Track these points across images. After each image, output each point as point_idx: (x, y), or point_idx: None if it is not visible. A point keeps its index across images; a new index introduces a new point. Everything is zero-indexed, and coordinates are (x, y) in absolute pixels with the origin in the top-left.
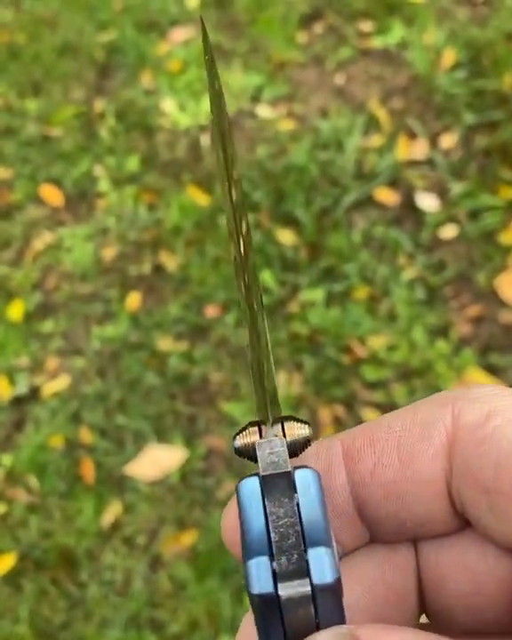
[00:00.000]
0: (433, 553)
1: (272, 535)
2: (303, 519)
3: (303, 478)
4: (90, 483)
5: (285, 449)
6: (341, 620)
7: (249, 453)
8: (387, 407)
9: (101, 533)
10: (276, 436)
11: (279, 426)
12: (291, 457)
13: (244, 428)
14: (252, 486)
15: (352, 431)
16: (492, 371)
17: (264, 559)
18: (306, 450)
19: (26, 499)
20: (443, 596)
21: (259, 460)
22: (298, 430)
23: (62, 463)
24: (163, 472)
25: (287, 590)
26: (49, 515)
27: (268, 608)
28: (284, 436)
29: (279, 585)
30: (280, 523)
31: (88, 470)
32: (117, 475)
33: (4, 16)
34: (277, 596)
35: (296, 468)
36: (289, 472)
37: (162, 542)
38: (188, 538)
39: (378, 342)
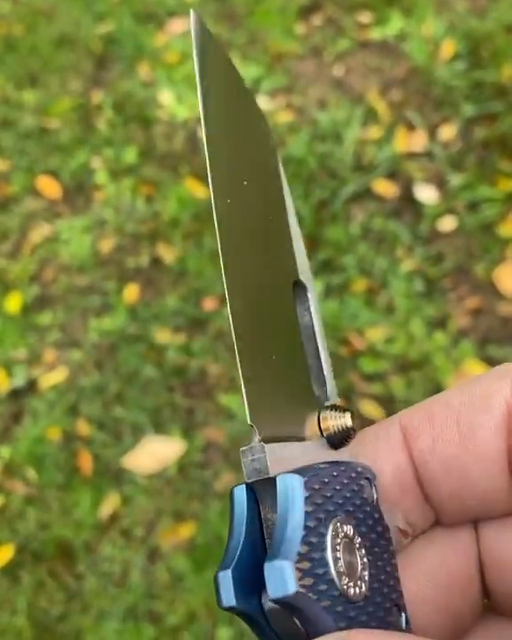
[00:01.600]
0: (494, 534)
1: (267, 541)
2: (277, 528)
3: (281, 484)
4: (87, 475)
5: (265, 455)
6: (326, 625)
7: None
8: (384, 399)
9: (99, 525)
10: (260, 440)
11: (315, 418)
12: (336, 448)
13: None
14: (239, 495)
15: (410, 409)
16: (491, 362)
17: (228, 573)
18: (351, 438)
19: (24, 491)
20: (505, 578)
21: (243, 467)
22: (334, 421)
23: (60, 455)
24: (160, 464)
25: (267, 602)
26: (47, 507)
27: (247, 618)
28: (320, 428)
29: (263, 594)
30: (272, 529)
31: (86, 462)
32: (115, 467)
33: (1, 7)
34: (240, 608)
35: (282, 473)
36: (272, 478)
37: (160, 534)
38: (186, 530)
39: (376, 334)
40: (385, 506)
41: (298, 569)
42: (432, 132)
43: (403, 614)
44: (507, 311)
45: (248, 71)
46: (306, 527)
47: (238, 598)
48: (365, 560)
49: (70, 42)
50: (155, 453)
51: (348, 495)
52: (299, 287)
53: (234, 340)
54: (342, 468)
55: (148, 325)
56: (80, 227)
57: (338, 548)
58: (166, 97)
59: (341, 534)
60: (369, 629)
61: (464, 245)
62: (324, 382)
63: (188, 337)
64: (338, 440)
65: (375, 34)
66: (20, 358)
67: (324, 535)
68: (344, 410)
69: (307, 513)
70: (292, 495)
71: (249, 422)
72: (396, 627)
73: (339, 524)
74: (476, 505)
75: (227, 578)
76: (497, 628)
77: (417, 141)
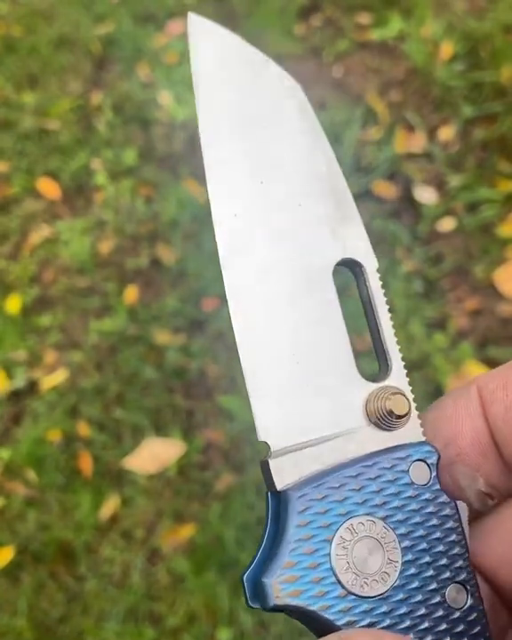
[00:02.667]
0: None
1: None
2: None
3: (278, 502)
4: (88, 476)
5: (271, 472)
6: (325, 625)
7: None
8: None
9: (99, 527)
10: (268, 455)
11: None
12: (389, 430)
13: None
14: (267, 501)
15: (490, 373)
16: (490, 363)
17: (243, 577)
18: (397, 421)
19: (24, 492)
20: None
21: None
22: (376, 404)
23: (60, 457)
24: (161, 465)
25: None
26: (47, 508)
27: (279, 611)
28: (367, 413)
29: None
30: None
31: (86, 464)
32: (115, 468)
33: (1, 9)
34: (258, 608)
35: (282, 488)
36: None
37: (160, 535)
38: (186, 531)
39: None
40: (466, 470)
41: (279, 584)
42: (431, 133)
43: (466, 591)
44: (506, 312)
45: None
46: (298, 541)
47: (254, 600)
48: (396, 551)
49: (70, 43)
50: (155, 454)
51: (375, 489)
52: (354, 264)
53: (239, 354)
54: (370, 463)
55: (147, 326)
56: (80, 228)
57: (346, 550)
58: (165, 98)
59: (357, 536)
60: (364, 629)
61: (463, 246)
62: (387, 359)
63: (187, 338)
64: (384, 424)
65: (374, 35)
66: (21, 360)
67: (327, 542)
68: (392, 392)
69: (298, 527)
70: (284, 512)
71: (260, 439)
72: (445, 608)
73: (353, 526)
74: None
75: (244, 582)
76: None
77: (416, 142)
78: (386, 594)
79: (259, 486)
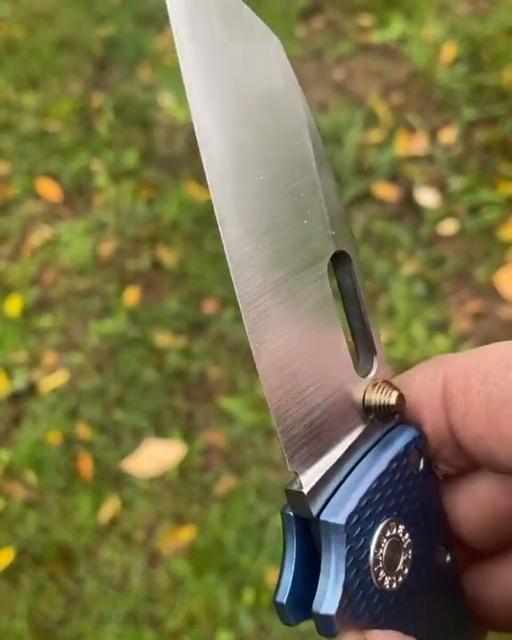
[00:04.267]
0: None
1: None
2: (322, 575)
3: (323, 532)
4: (88, 478)
5: (307, 504)
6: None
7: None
8: None
9: (99, 529)
10: (300, 488)
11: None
12: (388, 422)
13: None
14: (290, 522)
15: (456, 366)
16: None
17: (284, 601)
18: (395, 413)
19: (23, 494)
20: None
21: (287, 499)
22: (381, 398)
23: (60, 459)
24: (161, 468)
25: None
26: (47, 510)
27: None
28: (364, 410)
29: None
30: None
31: (86, 466)
32: (115, 470)
33: (2, 10)
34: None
35: (322, 519)
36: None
37: (160, 538)
38: (187, 533)
39: None
40: (429, 452)
41: (341, 614)
42: (433, 136)
43: (448, 552)
44: (507, 315)
45: None
46: (347, 571)
47: (293, 620)
48: (409, 538)
49: (71, 44)
50: (155, 457)
51: (391, 492)
52: (337, 257)
53: (266, 396)
54: (385, 466)
55: (148, 328)
56: (80, 229)
57: (380, 558)
58: (167, 100)
59: (385, 541)
60: (389, 632)
61: (465, 249)
62: (371, 348)
63: (188, 340)
64: (384, 418)
65: (376, 37)
66: (21, 361)
67: (366, 558)
68: (387, 385)
69: (345, 557)
70: (327, 544)
71: (290, 469)
72: (436, 567)
73: (382, 532)
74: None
75: (282, 605)
76: None
77: (418, 145)
78: (408, 577)
79: (259, 489)
